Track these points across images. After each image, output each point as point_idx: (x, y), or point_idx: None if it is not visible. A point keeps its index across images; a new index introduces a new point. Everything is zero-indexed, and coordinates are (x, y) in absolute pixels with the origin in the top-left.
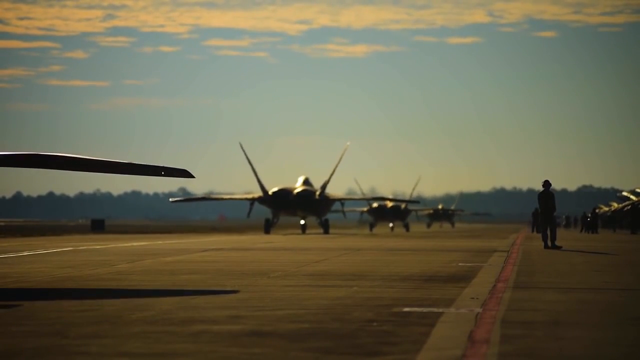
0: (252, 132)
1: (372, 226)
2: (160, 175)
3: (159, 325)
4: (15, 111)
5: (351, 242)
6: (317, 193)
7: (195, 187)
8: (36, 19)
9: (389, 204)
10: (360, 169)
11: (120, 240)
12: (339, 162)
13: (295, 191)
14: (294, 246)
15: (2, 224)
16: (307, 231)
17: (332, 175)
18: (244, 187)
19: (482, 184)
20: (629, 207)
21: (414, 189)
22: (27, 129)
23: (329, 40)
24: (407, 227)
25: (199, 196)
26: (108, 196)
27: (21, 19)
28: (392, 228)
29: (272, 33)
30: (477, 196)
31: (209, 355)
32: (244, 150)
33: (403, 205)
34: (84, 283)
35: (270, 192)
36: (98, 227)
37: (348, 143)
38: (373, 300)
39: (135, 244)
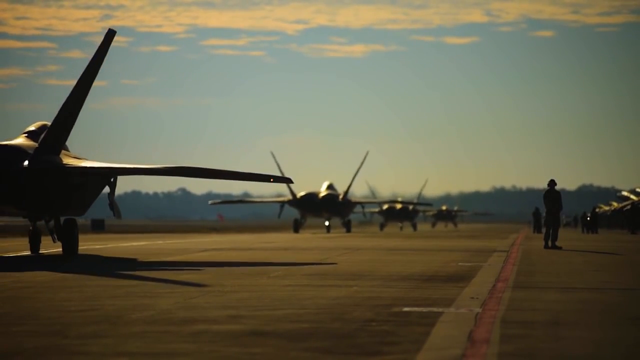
0: (250, 132)
1: (382, 226)
2: (270, 181)
3: (159, 325)
4: (13, 111)
5: (351, 242)
6: (340, 197)
7: (195, 186)
8: (33, 19)
9: (398, 205)
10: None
11: (121, 240)
12: (359, 168)
13: (321, 195)
14: (294, 246)
15: (3, 223)
16: (332, 231)
17: (353, 180)
18: (242, 187)
19: (482, 183)
20: (629, 206)
21: (421, 190)
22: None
23: (327, 39)
24: (414, 226)
25: (236, 199)
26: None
27: (18, 19)
28: (402, 228)
29: (270, 32)
30: (477, 196)
31: (209, 355)
32: (275, 159)
33: (411, 207)
34: (84, 283)
35: (298, 196)
36: (98, 227)
37: (367, 150)
38: (373, 300)
39: (135, 243)
